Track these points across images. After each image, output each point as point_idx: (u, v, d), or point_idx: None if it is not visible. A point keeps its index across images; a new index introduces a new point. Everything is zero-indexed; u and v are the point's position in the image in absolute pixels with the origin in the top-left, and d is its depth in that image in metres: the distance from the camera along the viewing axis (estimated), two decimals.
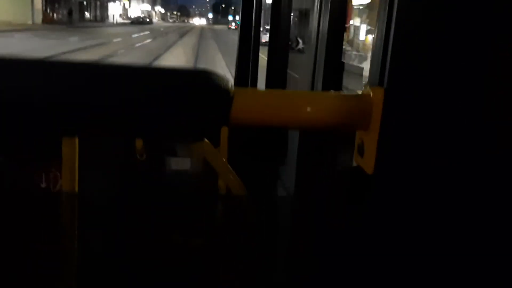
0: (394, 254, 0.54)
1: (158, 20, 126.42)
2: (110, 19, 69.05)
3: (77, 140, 0.69)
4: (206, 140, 0.87)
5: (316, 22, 0.98)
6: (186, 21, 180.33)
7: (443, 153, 0.46)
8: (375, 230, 0.57)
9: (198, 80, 0.57)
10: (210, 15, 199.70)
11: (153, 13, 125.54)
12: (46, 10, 40.67)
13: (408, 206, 0.51)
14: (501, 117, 0.41)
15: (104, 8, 65.28)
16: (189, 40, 31.83)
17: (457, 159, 0.44)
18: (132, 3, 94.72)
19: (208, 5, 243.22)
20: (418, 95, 0.49)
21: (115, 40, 25.24)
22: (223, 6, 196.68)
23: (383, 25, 0.53)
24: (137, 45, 23.69)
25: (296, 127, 0.97)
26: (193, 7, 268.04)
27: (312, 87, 0.96)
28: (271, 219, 0.98)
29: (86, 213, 1.02)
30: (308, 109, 0.59)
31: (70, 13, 43.86)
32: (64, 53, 15.31)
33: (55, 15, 43.48)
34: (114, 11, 72.11)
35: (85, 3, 56.30)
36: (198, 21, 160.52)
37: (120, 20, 72.46)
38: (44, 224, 0.95)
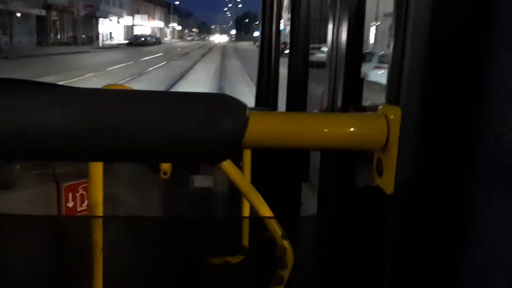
0: (417, 274, 0.54)
1: (173, 39, 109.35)
2: (106, 40, 51.47)
3: (102, 164, 0.73)
4: (229, 160, 0.89)
5: (335, 41, 1.02)
6: (206, 38, 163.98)
7: (463, 171, 0.46)
8: (396, 250, 0.57)
9: (213, 103, 0.57)
10: (233, 31, 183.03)
11: (167, 30, 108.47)
12: None
13: (428, 225, 0.52)
14: None
15: (90, 27, 47.66)
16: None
17: (478, 177, 0.44)
18: (143, 21, 77.51)
19: (230, 20, 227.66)
20: (435, 113, 0.50)
21: None
22: (247, 21, 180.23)
23: (398, 43, 0.54)
24: None
25: (312, 148, 1.04)
26: (215, 23, 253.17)
27: (333, 103, 1.01)
28: (294, 238, 1.03)
29: (111, 230, 1.20)
30: (323, 131, 0.59)
31: None
32: None
33: None
34: (106, 30, 54.49)
35: (53, 20, 38.52)
36: (219, 38, 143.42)
37: (115, 41, 54.60)
38: (71, 242, 1.06)
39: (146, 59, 27.64)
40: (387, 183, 0.57)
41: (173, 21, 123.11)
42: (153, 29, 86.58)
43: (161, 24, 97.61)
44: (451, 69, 0.48)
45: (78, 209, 1.68)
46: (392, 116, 0.56)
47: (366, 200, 0.73)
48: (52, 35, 38.44)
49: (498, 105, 0.42)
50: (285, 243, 1.02)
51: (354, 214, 0.87)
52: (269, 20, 2.06)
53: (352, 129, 0.58)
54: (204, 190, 1.83)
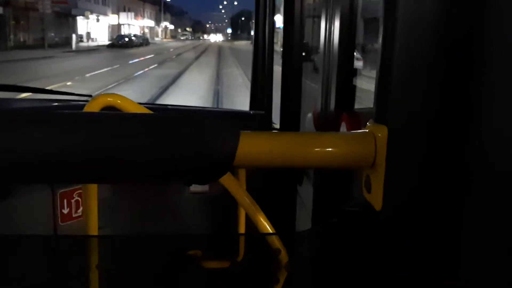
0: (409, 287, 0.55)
1: (165, 38, 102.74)
2: (85, 42, 45.08)
3: None
4: None
5: (327, 45, 1.03)
6: (202, 37, 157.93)
7: (451, 188, 0.47)
8: (386, 265, 0.57)
9: (203, 124, 0.58)
10: (229, 30, 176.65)
11: (158, 30, 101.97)
12: None
13: (417, 242, 0.52)
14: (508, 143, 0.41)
15: (65, 26, 41.21)
16: None
17: (466, 193, 0.45)
18: (130, 20, 71.15)
19: (226, 19, 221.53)
20: (422, 131, 0.50)
21: None
22: (243, 19, 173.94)
23: (385, 62, 0.55)
24: None
25: (302, 168, 1.07)
26: (209, 22, 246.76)
27: (326, 108, 1.04)
28: (290, 251, 1.05)
29: (106, 235, 1.23)
30: (313, 150, 0.61)
31: None
32: None
33: None
34: (88, 30, 48.03)
35: (15, 19, 32.10)
36: (215, 37, 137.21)
37: (97, 42, 48.08)
38: (66, 248, 1.11)
39: (125, 66, 21.41)
40: (376, 199, 0.58)
41: (165, 20, 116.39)
42: (142, 28, 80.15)
43: (151, 23, 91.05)
44: (438, 89, 0.48)
45: (74, 215, 1.70)
46: (379, 135, 0.57)
47: (360, 215, 0.74)
48: (12, 37, 32.04)
49: (486, 124, 0.43)
50: (281, 257, 1.02)
51: (349, 229, 0.87)
52: (262, 20, 1.99)
53: (340, 148, 0.60)
54: (199, 195, 1.84)
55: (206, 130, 0.57)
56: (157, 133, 0.56)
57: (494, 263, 0.44)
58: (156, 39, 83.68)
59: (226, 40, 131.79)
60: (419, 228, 0.51)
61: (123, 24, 66.78)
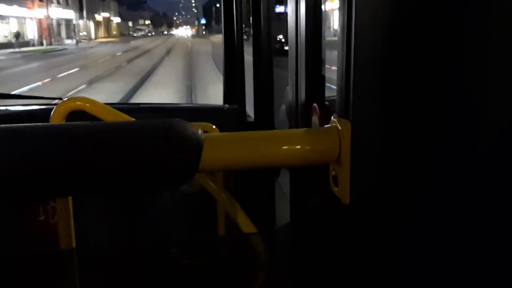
0: (374, 283, 0.55)
1: (103, 38, 65.96)
2: None
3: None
4: None
5: (294, 36, 1.04)
6: (166, 32, 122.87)
7: (415, 178, 0.48)
8: (354, 260, 0.58)
9: (165, 130, 0.57)
10: (202, 21, 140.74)
11: (89, 24, 65.05)
12: None
13: (385, 233, 0.53)
14: (468, 135, 0.43)
15: None
16: None
17: (430, 183, 0.46)
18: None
19: (198, 7, 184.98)
20: (383, 125, 0.51)
21: None
22: (217, 6, 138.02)
23: (344, 57, 0.56)
24: None
25: (269, 167, 1.04)
26: (176, 13, 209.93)
27: (296, 100, 1.05)
28: (270, 247, 1.07)
29: (84, 239, 1.23)
30: (278, 148, 0.60)
31: None
32: None
33: None
34: None
35: None
36: (184, 32, 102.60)
37: None
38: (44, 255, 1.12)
39: None
40: (343, 193, 0.59)
41: (106, 10, 79.33)
42: (41, 21, 43.55)
43: (69, 13, 54.16)
44: (397, 83, 0.49)
45: (51, 221, 1.69)
46: (342, 130, 0.57)
47: (333, 208, 0.75)
48: None
49: (447, 116, 0.44)
50: (261, 254, 1.04)
51: (323, 223, 0.88)
52: (231, 13, 1.95)
53: (305, 146, 0.60)
54: (178, 193, 1.86)
55: (168, 135, 0.56)
56: (117, 142, 0.55)
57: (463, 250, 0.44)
58: (68, 41, 46.30)
59: (198, 35, 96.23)
60: (385, 220, 0.52)
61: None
